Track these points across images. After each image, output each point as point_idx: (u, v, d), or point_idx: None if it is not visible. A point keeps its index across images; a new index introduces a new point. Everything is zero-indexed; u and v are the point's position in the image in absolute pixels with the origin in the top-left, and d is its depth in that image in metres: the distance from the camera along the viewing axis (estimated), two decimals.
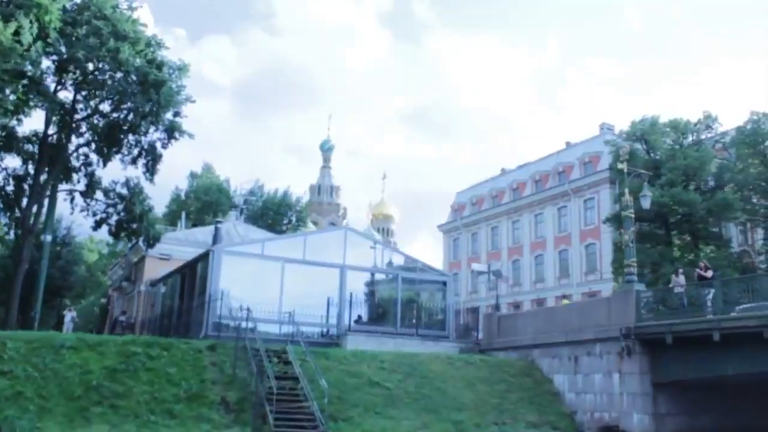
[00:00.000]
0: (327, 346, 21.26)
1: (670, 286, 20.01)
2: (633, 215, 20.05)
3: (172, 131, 27.79)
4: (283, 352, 17.99)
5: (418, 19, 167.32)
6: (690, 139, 40.02)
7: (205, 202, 45.36)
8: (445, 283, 25.71)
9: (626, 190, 20.17)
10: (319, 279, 23.44)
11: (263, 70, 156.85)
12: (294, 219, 47.61)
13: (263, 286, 22.21)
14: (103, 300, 45.66)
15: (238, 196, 46.15)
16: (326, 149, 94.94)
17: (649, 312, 18.80)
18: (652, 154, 39.89)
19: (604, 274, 40.92)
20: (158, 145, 28.20)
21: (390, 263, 25.56)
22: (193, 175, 48.03)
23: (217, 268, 21.72)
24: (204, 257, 22.74)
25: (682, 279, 19.74)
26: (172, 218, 46.46)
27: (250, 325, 18.66)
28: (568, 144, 50.12)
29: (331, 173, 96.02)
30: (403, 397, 17.85)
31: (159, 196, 56.41)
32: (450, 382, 19.42)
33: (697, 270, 19.03)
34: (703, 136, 40.26)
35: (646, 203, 20.33)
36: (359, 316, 23.50)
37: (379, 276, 24.49)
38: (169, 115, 27.47)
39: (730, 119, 72.03)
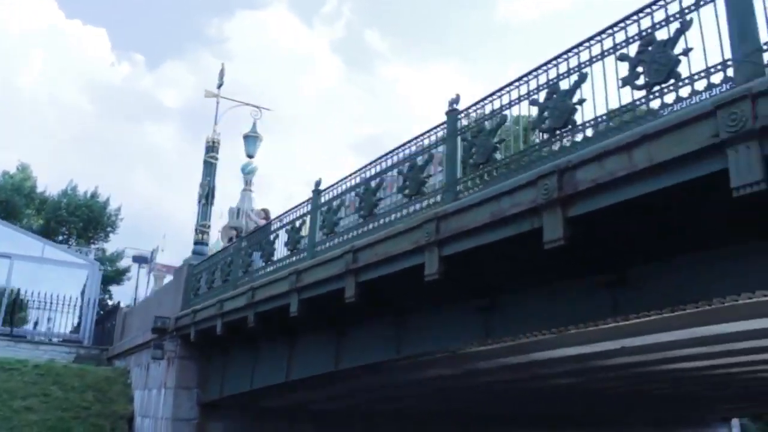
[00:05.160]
0: None
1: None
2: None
3: None
4: None
5: (371, 48, 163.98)
6: None
7: None
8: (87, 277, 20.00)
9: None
10: None
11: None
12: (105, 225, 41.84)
13: None
14: None
15: (42, 197, 40.65)
16: (247, 172, 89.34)
17: (199, 295, 13.00)
18: None
19: None
20: None
21: None
22: (4, 175, 42.66)
23: None
24: None
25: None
26: None
27: None
28: None
29: (252, 196, 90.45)
30: None
31: None
32: None
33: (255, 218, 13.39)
34: None
35: None
36: None
37: None
38: None
39: None
